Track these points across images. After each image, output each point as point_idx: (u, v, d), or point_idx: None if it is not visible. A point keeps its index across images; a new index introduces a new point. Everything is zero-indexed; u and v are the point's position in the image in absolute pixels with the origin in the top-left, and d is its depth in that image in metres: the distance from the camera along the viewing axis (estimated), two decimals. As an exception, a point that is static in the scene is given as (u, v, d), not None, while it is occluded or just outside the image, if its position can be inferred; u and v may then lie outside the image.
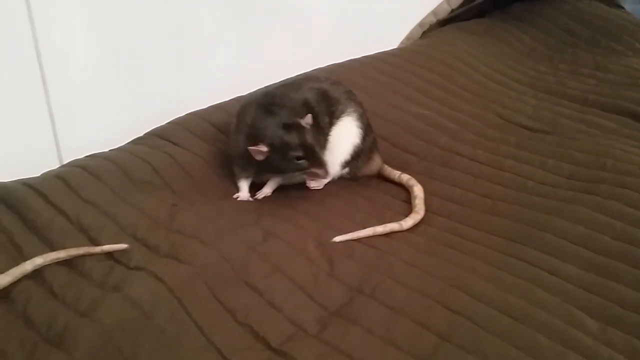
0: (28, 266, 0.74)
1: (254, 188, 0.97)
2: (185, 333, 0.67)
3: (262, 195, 0.95)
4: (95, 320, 0.66)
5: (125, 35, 1.06)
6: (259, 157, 0.89)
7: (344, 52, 1.41)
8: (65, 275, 0.74)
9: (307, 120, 0.91)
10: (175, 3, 1.11)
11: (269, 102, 0.93)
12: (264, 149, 0.88)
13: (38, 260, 0.74)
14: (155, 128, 1.09)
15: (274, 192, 0.96)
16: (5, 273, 0.72)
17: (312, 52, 1.36)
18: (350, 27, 1.46)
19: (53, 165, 1.01)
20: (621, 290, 0.74)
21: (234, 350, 0.65)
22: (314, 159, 0.89)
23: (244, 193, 0.96)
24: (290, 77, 1.22)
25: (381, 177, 1.03)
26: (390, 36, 1.57)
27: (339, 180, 1.00)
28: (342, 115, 0.99)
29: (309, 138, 0.89)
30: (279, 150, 0.88)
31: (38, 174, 0.95)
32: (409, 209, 0.94)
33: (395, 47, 1.57)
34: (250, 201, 0.95)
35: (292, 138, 0.88)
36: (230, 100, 1.18)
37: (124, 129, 1.08)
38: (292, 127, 0.88)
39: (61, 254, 0.76)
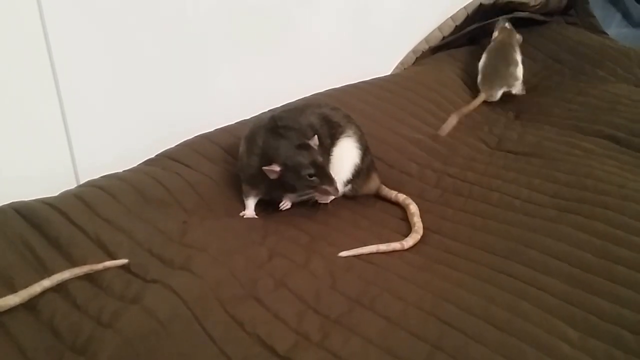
0: (37, 288, 0.77)
1: (259, 207, 1.04)
2: (199, 343, 0.72)
3: (285, 207, 1.02)
4: (117, 331, 0.72)
5: (138, 59, 1.12)
6: (273, 176, 0.95)
7: (341, 78, 1.48)
8: (87, 288, 0.80)
9: (315, 141, 0.97)
10: (184, 29, 1.17)
11: (278, 125, 0.99)
12: (276, 168, 0.94)
13: (45, 283, 0.78)
14: (166, 150, 1.15)
15: (279, 212, 1.02)
16: (15, 294, 0.76)
17: (310, 77, 1.43)
18: (347, 53, 1.53)
19: (70, 183, 1.07)
20: (600, 303, 0.80)
21: (245, 358, 0.71)
22: (324, 176, 0.95)
23: (250, 211, 1.02)
24: (291, 102, 1.29)
25: (379, 196, 1.10)
26: (385, 62, 1.65)
27: (341, 200, 1.06)
28: (342, 137, 1.06)
29: (319, 157, 0.96)
30: (291, 169, 0.94)
31: (55, 193, 1.00)
32: (405, 226, 1.01)
33: (389, 72, 1.64)
34: (256, 219, 1.01)
35: (304, 157, 0.94)
36: (236, 123, 1.25)
37: (136, 149, 1.14)
38: (302, 147, 0.95)
39: (65, 275, 0.80)
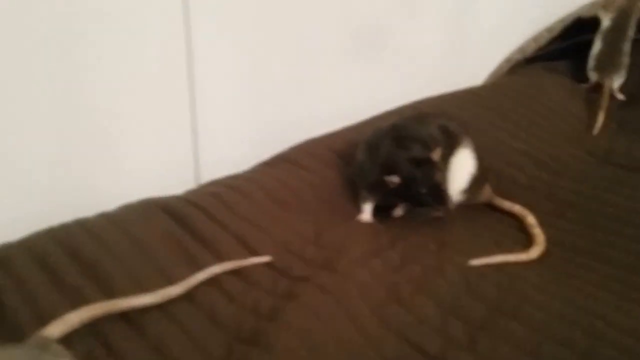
0: (194, 281, 0.81)
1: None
2: (356, 342, 0.75)
3: (397, 215, 1.06)
4: (285, 325, 0.75)
5: (261, 69, 1.16)
6: (392, 186, 0.97)
7: (435, 86, 1.50)
8: (237, 283, 0.83)
9: (437, 153, 0.98)
10: (301, 42, 1.21)
11: (402, 135, 1.01)
12: (396, 180, 0.96)
13: (200, 276, 0.82)
14: (280, 152, 1.19)
15: (401, 219, 1.05)
16: (175, 285, 0.80)
17: (407, 86, 1.45)
18: (442, 63, 1.55)
19: (189, 181, 1.11)
20: None
21: (399, 358, 0.74)
22: (438, 196, 0.97)
23: (367, 216, 1.05)
24: (398, 110, 1.32)
25: (492, 206, 1.12)
26: (478, 71, 1.66)
27: (457, 209, 1.07)
28: (460, 148, 1.07)
29: (437, 175, 0.96)
30: (408, 183, 0.96)
31: (175, 189, 1.04)
32: (523, 237, 1.02)
33: (481, 81, 1.66)
34: (379, 226, 1.03)
35: (421, 174, 0.95)
36: (342, 129, 1.28)
37: (250, 151, 1.18)
38: (422, 162, 0.96)
39: (216, 269, 0.84)
